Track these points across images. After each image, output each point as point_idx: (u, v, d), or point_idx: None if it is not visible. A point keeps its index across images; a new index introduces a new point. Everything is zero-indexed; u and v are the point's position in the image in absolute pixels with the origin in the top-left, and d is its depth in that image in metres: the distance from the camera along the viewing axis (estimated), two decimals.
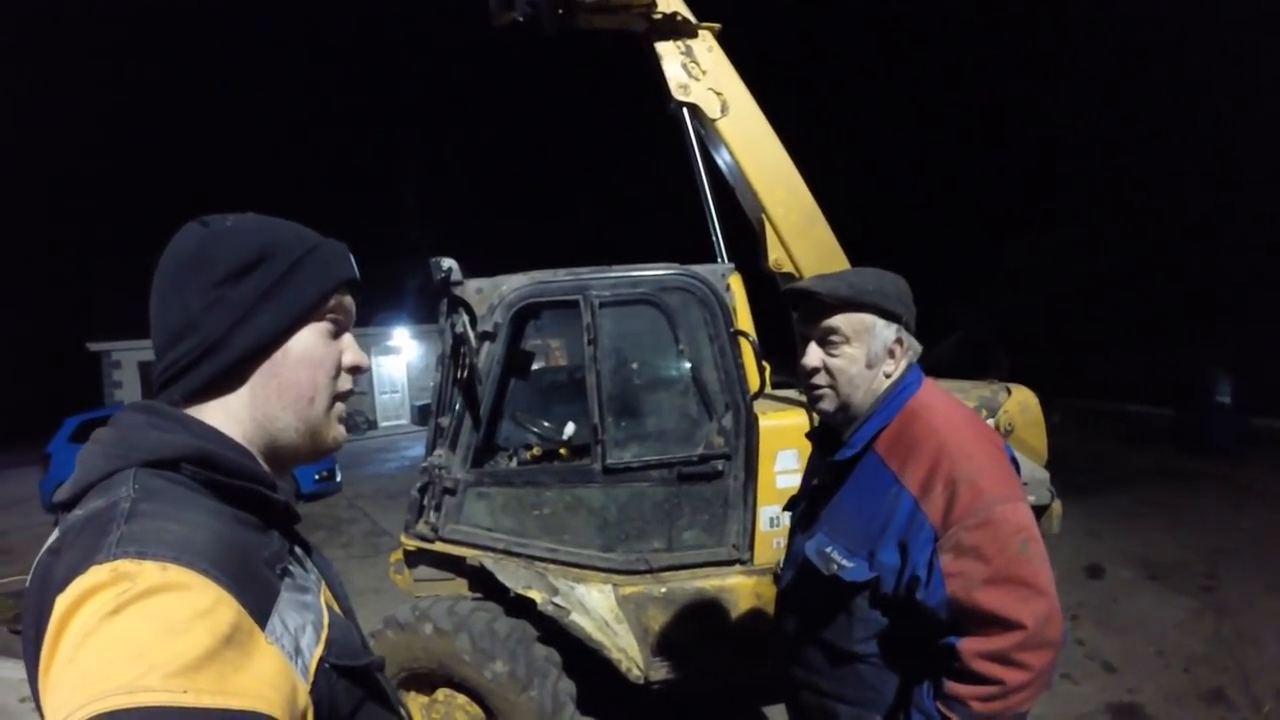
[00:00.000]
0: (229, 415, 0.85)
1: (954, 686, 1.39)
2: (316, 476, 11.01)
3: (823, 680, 1.63)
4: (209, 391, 0.84)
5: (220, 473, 0.78)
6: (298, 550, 0.91)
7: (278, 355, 0.86)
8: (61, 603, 0.61)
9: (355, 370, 0.95)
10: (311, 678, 0.74)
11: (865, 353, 1.58)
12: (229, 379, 0.84)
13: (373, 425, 23.83)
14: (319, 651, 0.77)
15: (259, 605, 0.70)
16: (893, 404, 1.59)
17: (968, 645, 1.38)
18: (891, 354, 1.60)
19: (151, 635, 0.58)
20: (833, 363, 1.59)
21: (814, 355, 1.61)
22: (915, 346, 1.63)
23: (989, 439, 1.53)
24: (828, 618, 1.59)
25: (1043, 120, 21.78)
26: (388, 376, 25.52)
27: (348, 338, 0.95)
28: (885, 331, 1.58)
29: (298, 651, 0.73)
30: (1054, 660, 1.39)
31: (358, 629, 0.96)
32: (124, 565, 0.62)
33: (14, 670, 2.86)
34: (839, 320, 1.57)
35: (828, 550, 1.57)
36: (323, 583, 0.93)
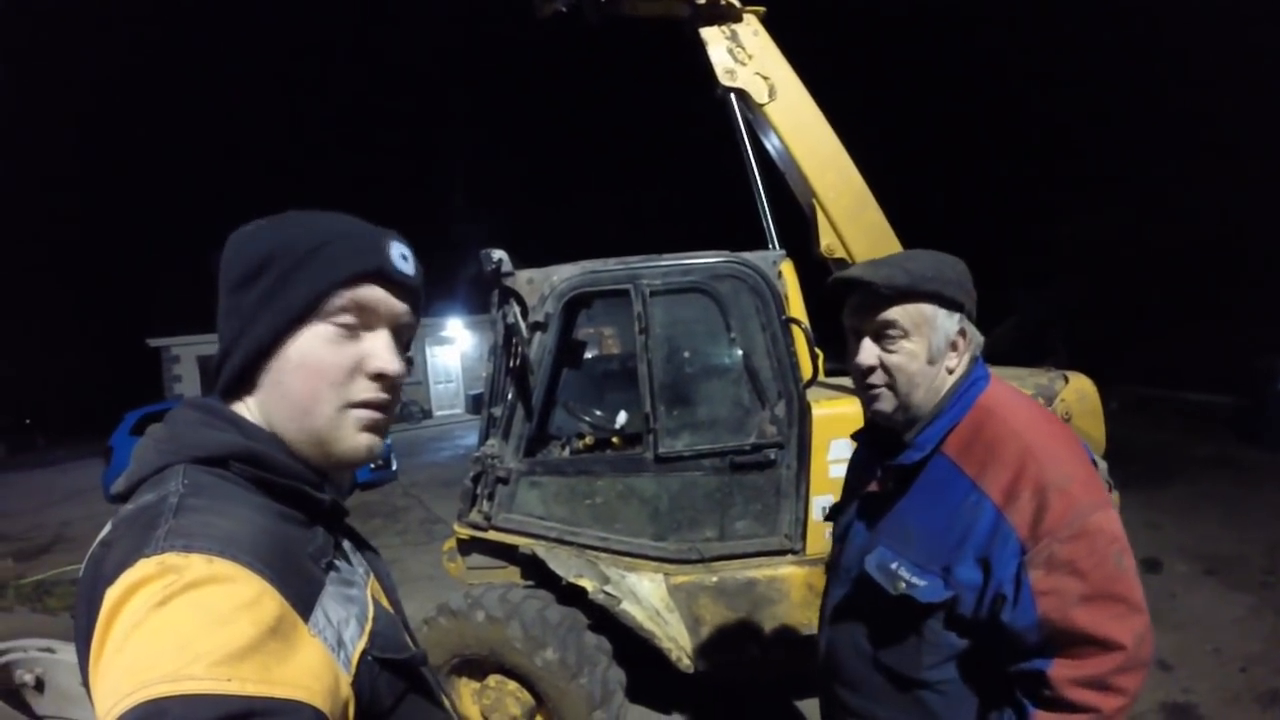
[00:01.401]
0: (262, 406, 0.86)
1: (1044, 717, 1.25)
2: (372, 465, 11.18)
3: (879, 708, 1.47)
4: (232, 394, 0.86)
5: (267, 471, 0.79)
6: (346, 544, 0.92)
7: (277, 362, 0.83)
8: (111, 594, 0.62)
9: (379, 377, 0.86)
10: (354, 670, 0.75)
11: (926, 347, 1.41)
12: (242, 384, 0.85)
13: (428, 414, 24.28)
14: (362, 644, 0.79)
15: (302, 598, 0.71)
16: (962, 401, 1.43)
17: (1061, 671, 1.24)
18: (955, 347, 1.44)
19: (197, 626, 0.59)
20: (890, 359, 1.42)
21: (869, 352, 1.44)
22: (978, 338, 1.47)
23: (1070, 438, 1.38)
24: (891, 640, 1.43)
25: (1098, 99, 21.17)
26: (442, 366, 25.90)
27: (374, 339, 0.87)
28: (947, 323, 1.42)
29: (340, 644, 0.74)
30: (1144, 679, 1.27)
31: (404, 623, 0.97)
32: (171, 558, 0.63)
33: (75, 654, 2.98)
34: (896, 312, 1.40)
35: (893, 566, 1.39)
36: (371, 576, 0.94)
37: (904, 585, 1.36)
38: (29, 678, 3.09)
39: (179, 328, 21.59)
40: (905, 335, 1.41)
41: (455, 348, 25.86)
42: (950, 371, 1.45)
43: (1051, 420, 1.43)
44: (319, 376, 0.82)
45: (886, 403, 1.46)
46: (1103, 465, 3.52)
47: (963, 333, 1.44)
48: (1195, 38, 17.44)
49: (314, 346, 0.82)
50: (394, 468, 12.01)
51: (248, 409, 0.85)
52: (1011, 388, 1.49)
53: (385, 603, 0.95)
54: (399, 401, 0.92)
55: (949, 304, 1.41)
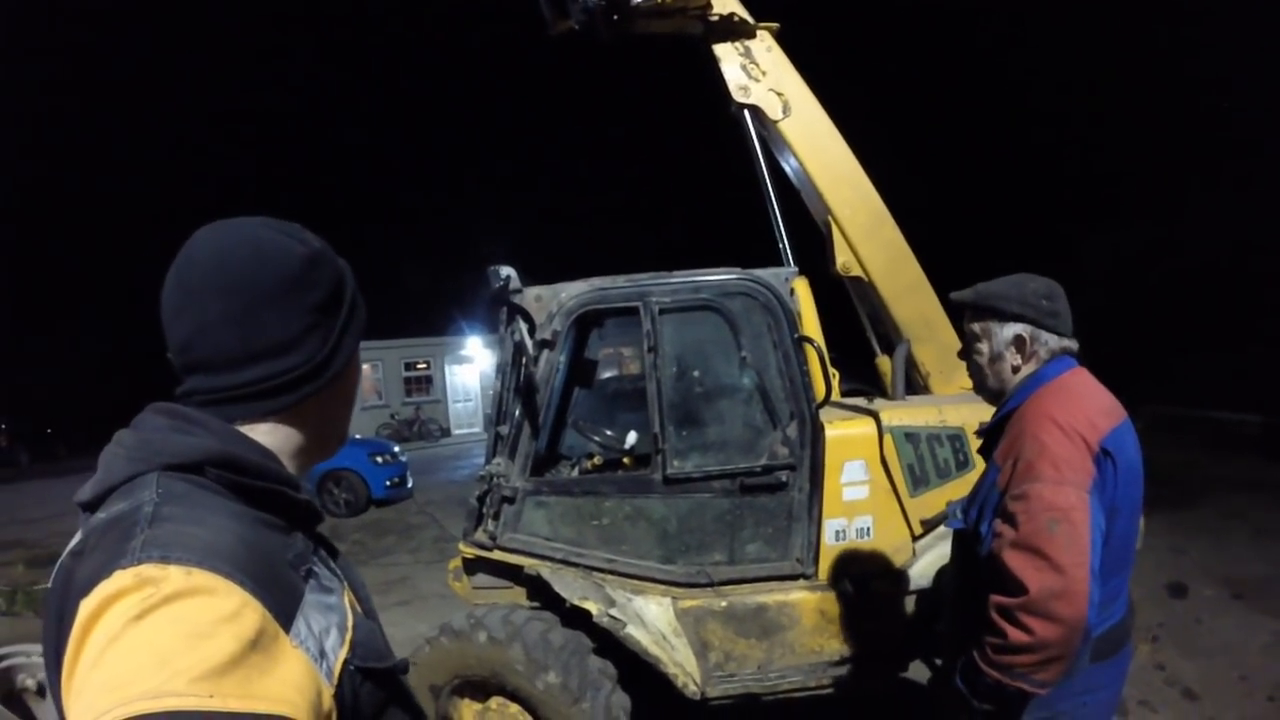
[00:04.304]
0: (303, 426, 0.87)
1: (982, 630, 1.66)
2: (388, 483, 11.21)
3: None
4: (294, 408, 0.85)
5: (244, 475, 0.78)
6: (321, 551, 0.91)
7: (348, 376, 0.93)
8: (85, 607, 0.61)
9: None
10: (336, 680, 0.74)
11: (988, 349, 1.92)
12: (317, 395, 0.87)
13: (446, 433, 24.44)
14: (343, 654, 0.78)
15: (283, 608, 0.70)
16: (1024, 391, 1.86)
17: (992, 597, 1.65)
18: (1016, 348, 1.88)
19: (177, 640, 0.58)
20: (971, 358, 1.99)
21: (965, 352, 2.04)
22: (1047, 342, 1.87)
23: (1072, 433, 1.69)
24: (957, 564, 2.04)
25: (1127, 112, 21.03)
26: (461, 385, 26.17)
27: None
28: (1002, 331, 1.89)
29: (322, 654, 0.73)
30: (1065, 639, 1.55)
31: (380, 631, 0.96)
32: (148, 570, 0.62)
33: None
34: (972, 324, 1.96)
35: (956, 507, 1.98)
36: (345, 584, 0.93)
37: (952, 518, 1.97)
38: (31, 683, 3.11)
39: None
40: (977, 339, 1.95)
41: (474, 366, 26.08)
42: (1015, 369, 1.90)
43: (1071, 416, 1.72)
44: (356, 386, 0.99)
45: (976, 390, 2.06)
46: None
47: (1019, 337, 1.87)
48: (1217, 52, 17.28)
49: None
50: (409, 485, 12.03)
51: (300, 418, 0.87)
52: (1071, 386, 1.84)
53: (360, 611, 0.94)
54: None
55: (1004, 316, 1.89)
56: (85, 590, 0.62)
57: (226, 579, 0.64)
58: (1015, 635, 1.57)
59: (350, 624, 0.82)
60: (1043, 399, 1.79)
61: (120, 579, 0.61)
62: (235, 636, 0.61)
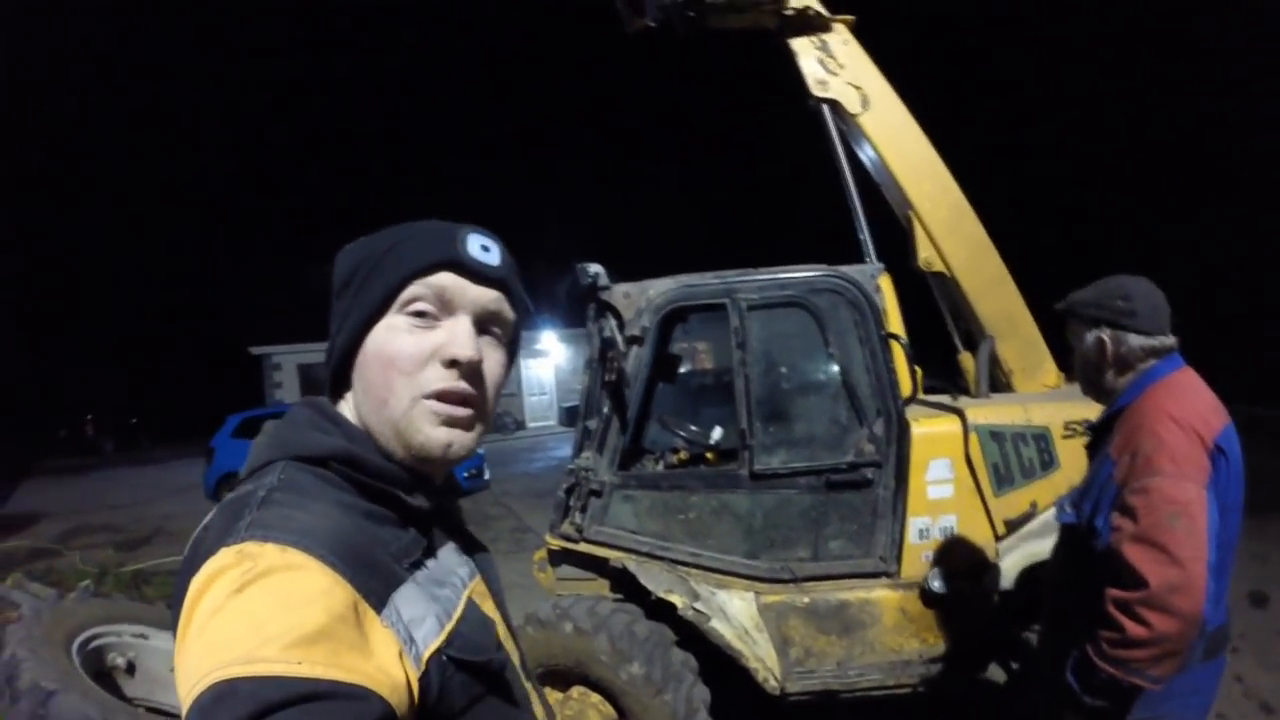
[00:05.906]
0: (355, 418, 0.90)
1: (1097, 624, 1.67)
2: (466, 474, 11.56)
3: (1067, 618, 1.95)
4: (336, 393, 0.92)
5: (362, 473, 0.83)
6: (450, 545, 0.94)
7: (359, 358, 0.86)
8: (195, 582, 0.67)
9: (452, 364, 0.83)
10: (423, 666, 0.76)
11: (1080, 352, 2.01)
12: (341, 383, 0.91)
13: (521, 426, 24.90)
14: (436, 643, 0.79)
15: (374, 592, 0.73)
16: (1135, 388, 1.89)
17: (1109, 591, 1.65)
18: (1099, 351, 1.93)
19: (272, 610, 0.62)
20: (1075, 362, 2.06)
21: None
22: (1129, 341, 1.89)
23: (1189, 429, 1.72)
24: (1065, 558, 2.05)
25: (1200, 101, 20.18)
26: (536, 379, 26.53)
27: (453, 326, 0.86)
28: (1087, 335, 1.96)
29: (410, 640, 0.76)
30: (1183, 633, 1.56)
31: (509, 626, 1.00)
32: (249, 547, 0.67)
33: (167, 641, 3.14)
34: (1069, 331, 2.06)
35: (1064, 501, 2.00)
36: (476, 578, 0.97)
37: (1060, 513, 2.00)
38: (121, 661, 3.23)
39: (281, 337, 23.25)
40: (1076, 345, 2.03)
41: (549, 360, 26.45)
42: (1101, 370, 1.96)
43: (1183, 412, 1.76)
44: (392, 366, 0.83)
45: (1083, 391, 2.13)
46: None
47: (1100, 340, 1.93)
48: None
49: (388, 337, 0.84)
50: (486, 477, 12.40)
51: (348, 406, 0.90)
52: (1183, 384, 1.87)
53: (489, 605, 0.97)
54: (486, 393, 0.89)
55: (1085, 321, 1.98)
56: (198, 567, 0.68)
57: (318, 559, 0.68)
58: (1133, 629, 1.58)
59: (456, 616, 0.85)
60: (1156, 394, 1.81)
61: (225, 556, 0.67)
62: (326, 610, 0.65)
